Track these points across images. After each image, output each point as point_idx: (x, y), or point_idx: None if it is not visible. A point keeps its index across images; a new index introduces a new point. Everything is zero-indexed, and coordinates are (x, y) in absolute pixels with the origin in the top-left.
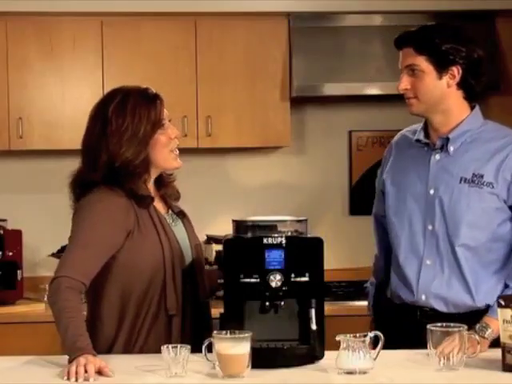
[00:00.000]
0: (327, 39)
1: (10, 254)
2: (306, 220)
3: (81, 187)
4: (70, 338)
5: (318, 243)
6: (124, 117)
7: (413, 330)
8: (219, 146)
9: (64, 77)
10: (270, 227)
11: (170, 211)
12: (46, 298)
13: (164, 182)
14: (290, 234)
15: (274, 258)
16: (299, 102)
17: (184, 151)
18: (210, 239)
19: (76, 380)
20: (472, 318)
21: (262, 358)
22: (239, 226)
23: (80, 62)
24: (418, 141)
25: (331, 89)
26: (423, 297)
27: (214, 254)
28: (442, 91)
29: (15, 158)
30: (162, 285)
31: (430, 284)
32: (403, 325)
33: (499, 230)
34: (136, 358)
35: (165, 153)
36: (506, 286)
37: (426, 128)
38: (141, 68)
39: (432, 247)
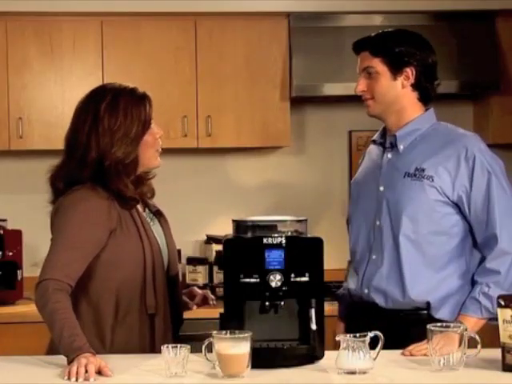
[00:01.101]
0: (327, 39)
1: (10, 254)
2: (305, 220)
3: (65, 183)
4: (66, 338)
5: (318, 243)
6: (116, 116)
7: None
8: (219, 145)
9: (64, 77)
10: (270, 227)
11: (147, 210)
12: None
13: (141, 181)
14: (289, 234)
15: (274, 258)
16: (299, 102)
17: (184, 151)
18: (210, 239)
19: (76, 380)
20: (413, 317)
21: (262, 358)
22: (239, 226)
23: (80, 62)
24: (373, 141)
25: (331, 89)
26: (366, 290)
27: (214, 254)
28: (396, 92)
29: (15, 157)
30: (142, 283)
31: (372, 277)
32: (357, 324)
33: (442, 224)
34: (136, 357)
35: (151, 153)
36: (475, 283)
37: (385, 129)
38: (141, 68)
39: (378, 242)
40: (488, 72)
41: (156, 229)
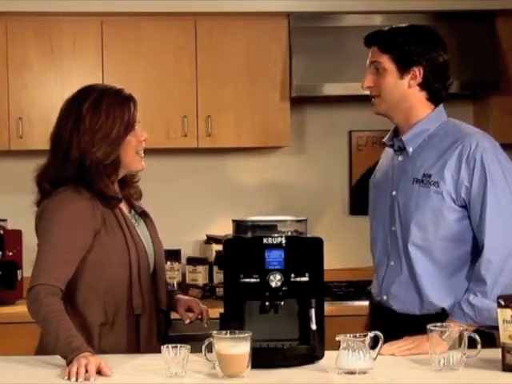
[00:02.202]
0: (327, 39)
1: (10, 254)
2: (305, 220)
3: (50, 183)
4: (63, 339)
5: (318, 243)
6: (98, 116)
7: (384, 330)
8: (219, 145)
9: (64, 77)
10: (270, 227)
11: (133, 211)
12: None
13: (128, 183)
14: (289, 234)
15: (274, 258)
16: (299, 102)
17: (184, 151)
18: (210, 239)
19: (76, 380)
20: (433, 321)
21: (262, 358)
22: (239, 226)
23: (80, 62)
24: (384, 143)
25: (331, 89)
26: (385, 297)
27: (214, 254)
28: (402, 91)
29: (15, 157)
30: (128, 284)
31: (391, 285)
32: (379, 325)
33: (450, 230)
34: (136, 357)
35: (131, 154)
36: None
37: (395, 130)
38: (141, 68)
39: (395, 248)
40: (488, 72)
41: (141, 230)
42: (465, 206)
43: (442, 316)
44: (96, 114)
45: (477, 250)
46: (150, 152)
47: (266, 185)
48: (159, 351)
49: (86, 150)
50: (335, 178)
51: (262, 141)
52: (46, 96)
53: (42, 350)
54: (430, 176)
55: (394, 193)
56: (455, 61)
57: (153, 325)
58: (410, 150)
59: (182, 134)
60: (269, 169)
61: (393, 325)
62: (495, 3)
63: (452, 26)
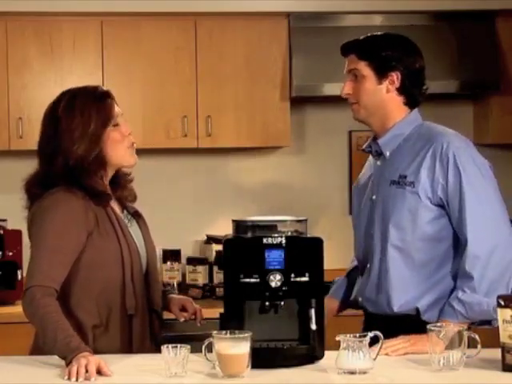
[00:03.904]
0: (327, 39)
1: (10, 254)
2: (305, 220)
3: (42, 188)
4: (61, 340)
5: (317, 243)
6: (73, 115)
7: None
8: (219, 146)
9: (64, 77)
10: (270, 227)
11: (125, 211)
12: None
13: (121, 183)
14: (289, 233)
15: (274, 258)
16: (299, 102)
17: (184, 151)
18: (210, 239)
19: (77, 380)
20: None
21: (261, 358)
22: (239, 226)
23: (80, 62)
24: (363, 150)
25: (331, 89)
26: (360, 299)
27: (214, 254)
28: (381, 96)
29: (15, 157)
30: (121, 284)
31: (365, 287)
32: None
33: (428, 230)
34: (136, 357)
35: (121, 150)
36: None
37: (374, 138)
38: (141, 68)
39: (372, 251)
40: (488, 72)
41: (134, 230)
42: (442, 205)
43: (415, 316)
44: (71, 114)
45: (457, 246)
46: (150, 152)
47: (266, 185)
48: (152, 352)
49: (67, 150)
50: (335, 178)
51: (262, 141)
52: (45, 96)
53: (37, 350)
54: (405, 177)
55: (373, 197)
56: (455, 61)
57: (145, 325)
58: (387, 153)
59: (181, 134)
60: (269, 169)
61: (370, 324)
62: (495, 3)
63: (452, 26)
